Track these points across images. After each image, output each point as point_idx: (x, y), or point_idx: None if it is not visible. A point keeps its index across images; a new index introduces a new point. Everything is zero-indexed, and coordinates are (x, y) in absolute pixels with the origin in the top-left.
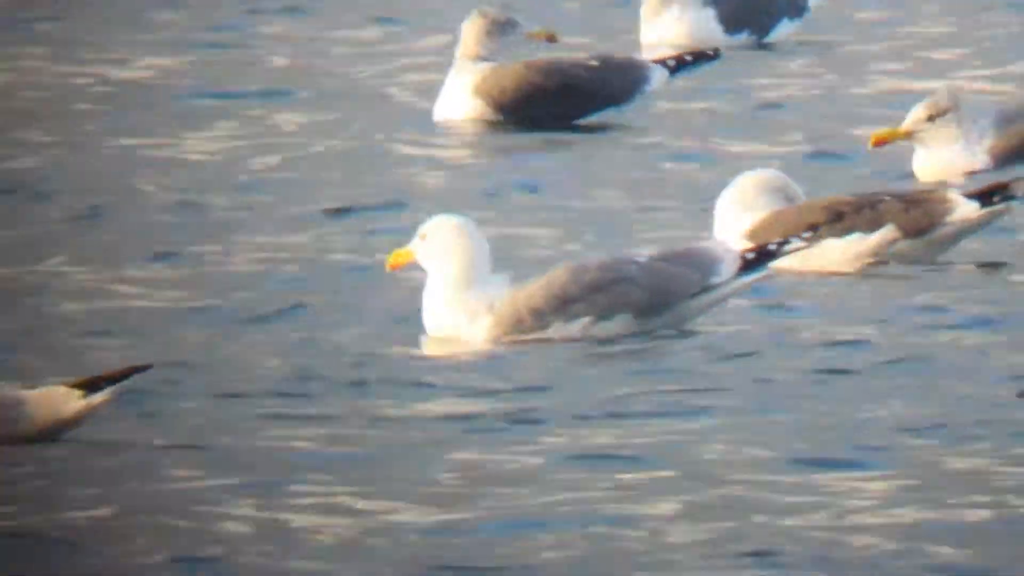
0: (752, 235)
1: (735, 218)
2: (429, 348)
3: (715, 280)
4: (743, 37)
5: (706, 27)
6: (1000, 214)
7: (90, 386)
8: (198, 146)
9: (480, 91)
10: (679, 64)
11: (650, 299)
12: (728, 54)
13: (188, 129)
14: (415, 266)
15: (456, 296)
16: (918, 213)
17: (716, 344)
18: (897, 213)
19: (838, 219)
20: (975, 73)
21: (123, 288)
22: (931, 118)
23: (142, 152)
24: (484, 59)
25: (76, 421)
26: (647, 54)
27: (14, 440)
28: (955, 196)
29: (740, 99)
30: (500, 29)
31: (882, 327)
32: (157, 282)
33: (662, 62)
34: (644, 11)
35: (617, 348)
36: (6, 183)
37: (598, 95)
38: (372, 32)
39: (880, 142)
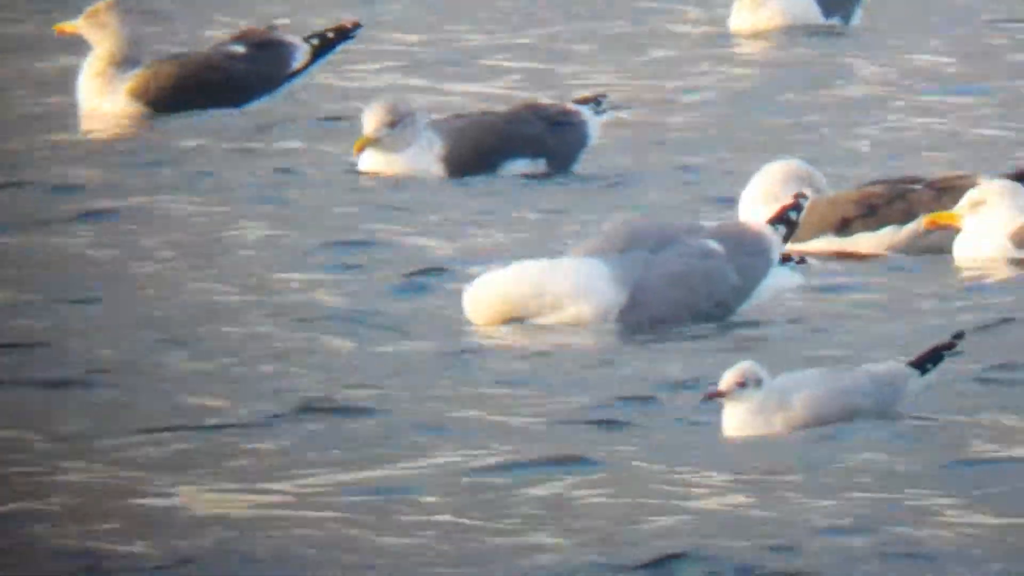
0: None
1: (759, 209)
2: None
3: (771, 268)
4: (834, 20)
5: (808, 11)
6: None
7: None
8: None
9: (136, 94)
10: (323, 44)
11: (739, 296)
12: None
13: None
14: None
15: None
16: (949, 201)
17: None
18: (928, 202)
19: (871, 212)
20: None
21: None
22: (392, 124)
23: None
24: (132, 61)
25: None
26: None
27: None
28: (986, 180)
29: None
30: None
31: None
32: None
33: (307, 40)
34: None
35: None
36: None
37: (254, 84)
38: None
39: (361, 150)
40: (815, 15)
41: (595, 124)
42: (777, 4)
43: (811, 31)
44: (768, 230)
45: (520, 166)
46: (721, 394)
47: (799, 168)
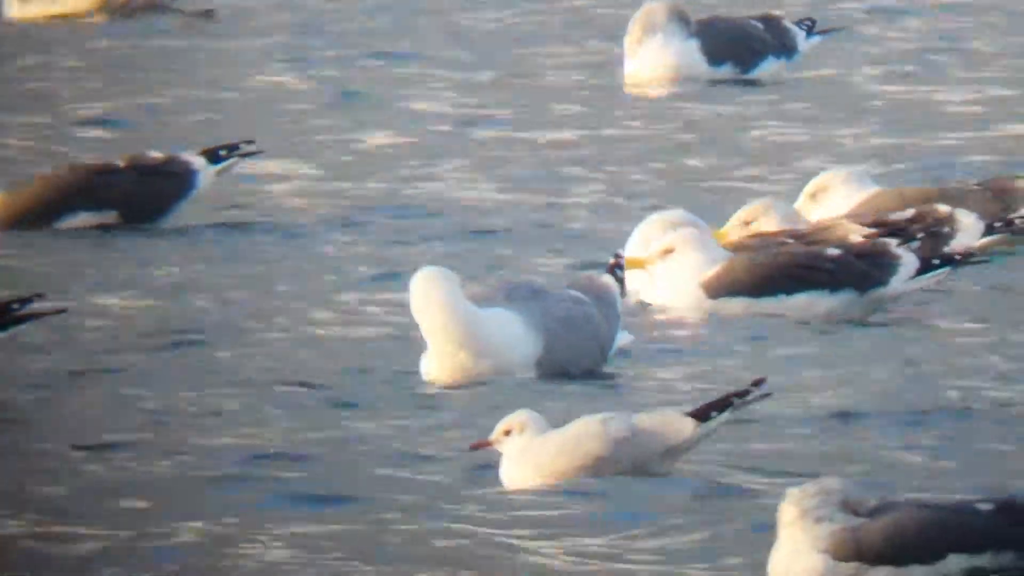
0: None
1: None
2: None
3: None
4: (726, 70)
5: (689, 58)
6: None
7: None
8: None
9: None
10: None
11: (610, 342)
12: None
13: None
14: None
15: None
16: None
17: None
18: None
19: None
20: None
21: None
22: None
23: None
24: None
25: None
26: (631, 85)
27: None
28: (853, 228)
29: None
30: None
31: None
32: None
33: None
34: (627, 43)
35: None
36: None
37: None
38: None
39: None
40: (697, 63)
41: (206, 174)
42: (650, 52)
43: (696, 81)
44: (614, 284)
45: (82, 219)
46: (486, 444)
47: (682, 218)
